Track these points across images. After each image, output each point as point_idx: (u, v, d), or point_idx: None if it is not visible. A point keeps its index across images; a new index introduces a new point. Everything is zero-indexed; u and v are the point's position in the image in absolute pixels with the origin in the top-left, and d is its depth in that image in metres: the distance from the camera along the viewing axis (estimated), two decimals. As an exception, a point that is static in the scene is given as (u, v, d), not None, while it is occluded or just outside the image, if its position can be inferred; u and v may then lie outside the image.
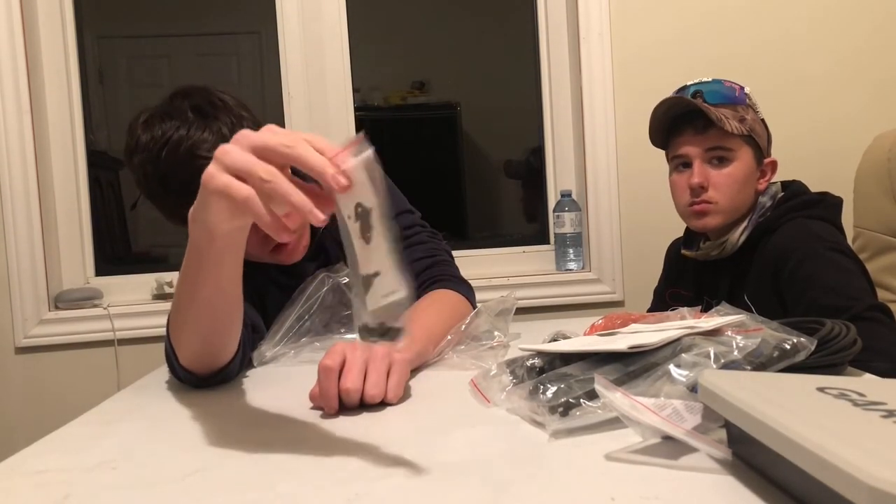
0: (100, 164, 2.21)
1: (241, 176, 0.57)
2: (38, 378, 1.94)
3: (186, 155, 0.95)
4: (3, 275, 1.90)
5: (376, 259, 0.57)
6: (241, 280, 0.75)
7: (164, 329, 0.89)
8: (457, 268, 1.21)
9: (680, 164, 1.33)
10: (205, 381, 0.88)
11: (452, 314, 1.03)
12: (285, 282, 1.12)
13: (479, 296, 1.18)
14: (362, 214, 0.56)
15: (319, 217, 0.55)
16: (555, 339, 0.85)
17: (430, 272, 1.15)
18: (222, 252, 0.68)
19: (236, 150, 0.58)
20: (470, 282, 1.18)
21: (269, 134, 0.58)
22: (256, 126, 0.64)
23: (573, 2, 2.05)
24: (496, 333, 0.99)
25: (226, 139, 0.68)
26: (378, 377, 0.74)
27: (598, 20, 2.03)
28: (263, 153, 0.57)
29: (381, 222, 0.57)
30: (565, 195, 2.09)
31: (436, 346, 0.94)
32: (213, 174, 0.59)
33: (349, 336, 1.06)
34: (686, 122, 1.30)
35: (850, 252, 1.24)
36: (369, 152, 0.56)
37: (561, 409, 0.61)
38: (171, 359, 0.88)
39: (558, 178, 2.18)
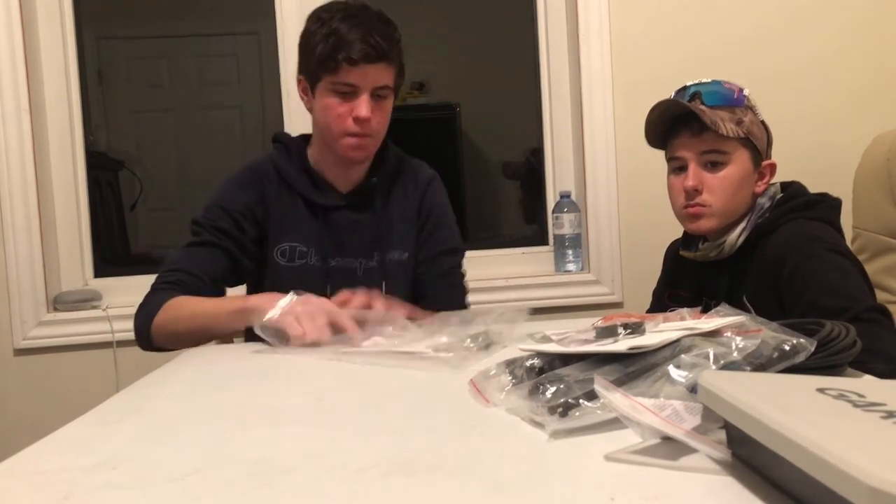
0: (99, 165, 2.21)
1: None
2: (37, 380, 1.94)
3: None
4: (2, 276, 1.90)
5: None
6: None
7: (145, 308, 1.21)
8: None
9: (676, 166, 1.34)
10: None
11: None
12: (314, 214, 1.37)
13: (478, 297, 1.18)
14: None
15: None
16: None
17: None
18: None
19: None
20: (469, 283, 1.18)
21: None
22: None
23: (573, 0, 2.05)
24: (494, 335, 1.00)
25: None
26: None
27: (598, 19, 2.03)
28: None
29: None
30: (564, 196, 2.09)
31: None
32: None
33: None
34: (682, 123, 1.30)
35: (849, 253, 1.24)
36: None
37: (560, 410, 0.61)
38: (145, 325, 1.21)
39: (557, 179, 2.18)
